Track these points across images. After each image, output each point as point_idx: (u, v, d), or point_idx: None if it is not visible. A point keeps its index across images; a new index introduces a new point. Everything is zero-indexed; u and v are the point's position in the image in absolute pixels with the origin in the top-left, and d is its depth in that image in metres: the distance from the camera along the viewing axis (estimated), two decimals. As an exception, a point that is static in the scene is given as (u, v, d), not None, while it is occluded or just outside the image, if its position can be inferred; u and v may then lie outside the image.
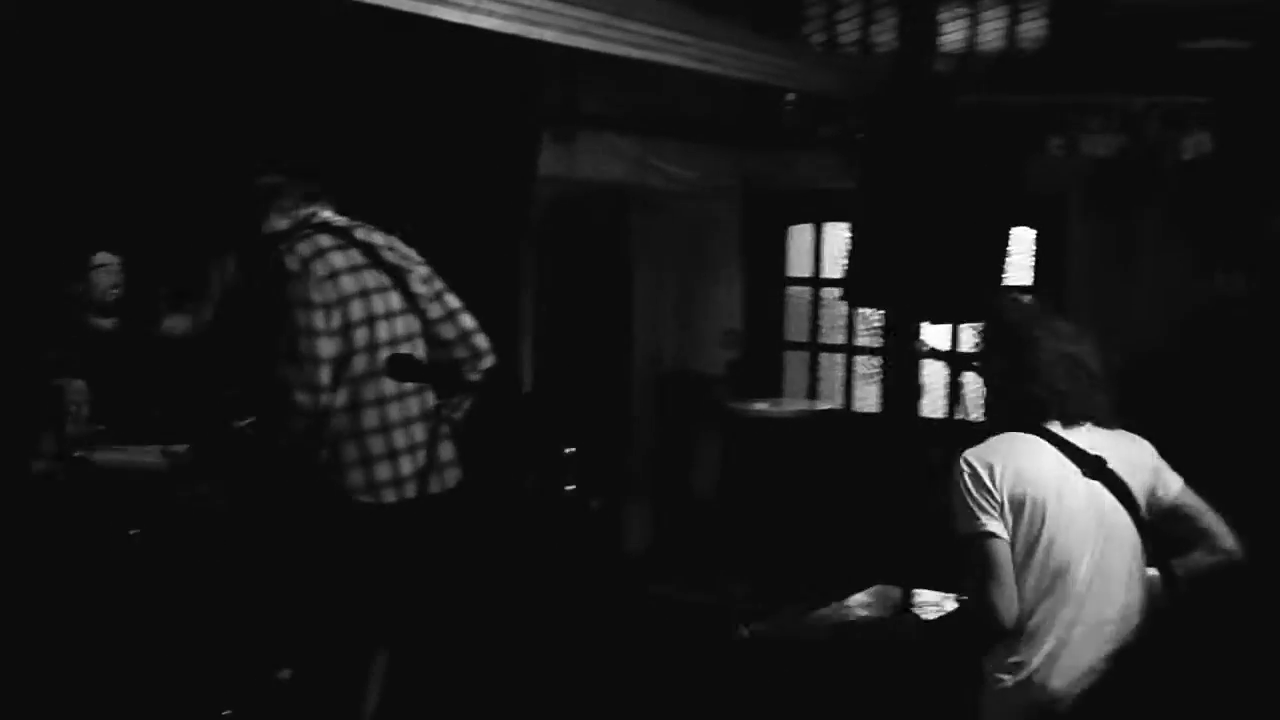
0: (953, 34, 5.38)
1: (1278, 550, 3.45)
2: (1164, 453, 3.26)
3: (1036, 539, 3.06)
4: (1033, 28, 5.12)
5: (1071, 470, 3.10)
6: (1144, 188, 6.44)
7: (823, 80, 5.86)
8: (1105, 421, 3.19)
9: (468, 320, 4.01)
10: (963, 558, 3.13)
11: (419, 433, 3.78)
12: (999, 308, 3.56)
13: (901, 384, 7.09)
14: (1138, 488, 3.14)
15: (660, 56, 4.92)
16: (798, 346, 8.16)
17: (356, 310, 3.71)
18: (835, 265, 7.96)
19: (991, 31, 5.23)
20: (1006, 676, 3.11)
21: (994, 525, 3.06)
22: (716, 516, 7.74)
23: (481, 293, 4.21)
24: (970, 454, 3.14)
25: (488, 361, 4.04)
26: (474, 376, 4.03)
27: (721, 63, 5.19)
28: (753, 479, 7.73)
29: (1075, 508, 3.08)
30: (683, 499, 7.94)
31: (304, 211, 3.86)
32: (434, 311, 3.94)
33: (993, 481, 3.07)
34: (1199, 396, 5.59)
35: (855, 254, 5.55)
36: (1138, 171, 6.29)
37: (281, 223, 3.86)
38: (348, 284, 3.71)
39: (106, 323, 4.70)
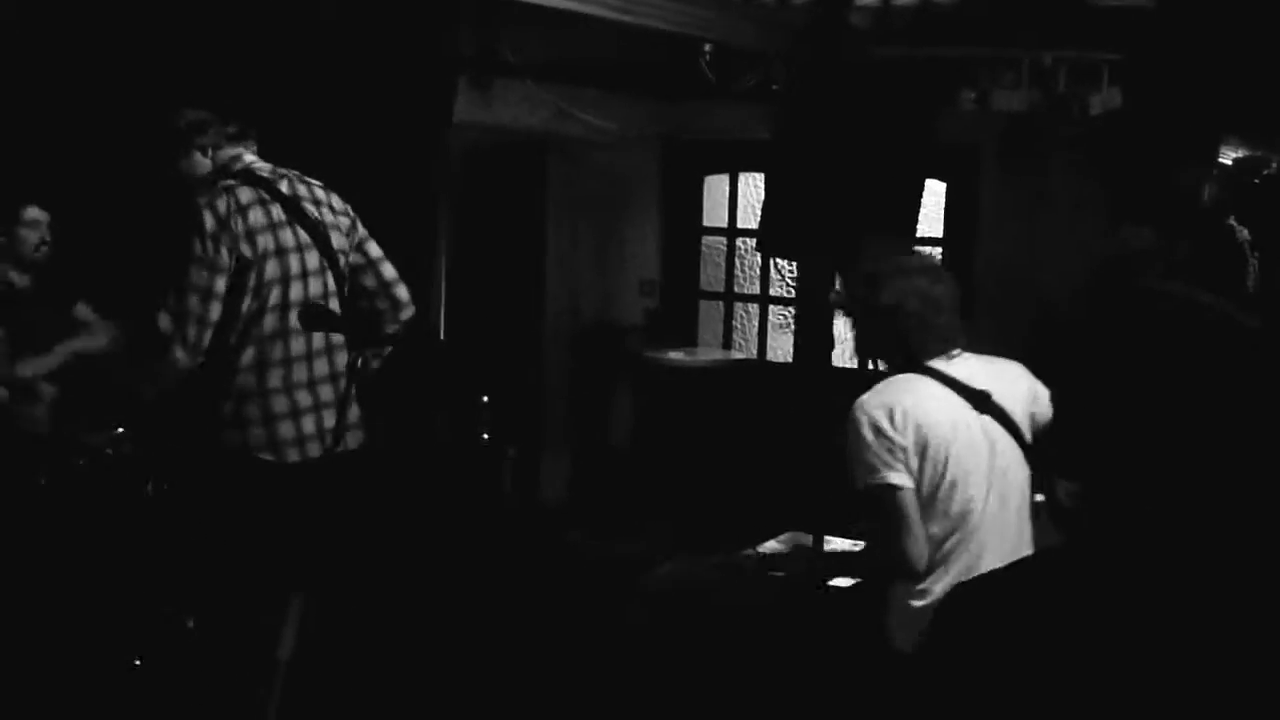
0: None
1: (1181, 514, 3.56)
2: (1071, 409, 3.38)
3: (939, 481, 3.13)
4: (948, -18, 5.17)
5: (963, 407, 3.19)
6: (1054, 142, 6.53)
7: (741, 31, 5.87)
8: (972, 347, 3.31)
9: (388, 270, 3.99)
10: (868, 508, 3.19)
11: (326, 393, 3.77)
12: (870, 257, 3.66)
13: (815, 334, 7.18)
14: (1020, 415, 3.25)
15: (580, 6, 4.90)
16: (713, 296, 8.21)
17: (270, 269, 3.67)
18: (751, 215, 8.01)
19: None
20: (914, 602, 3.19)
21: (899, 476, 3.12)
22: (632, 466, 7.79)
23: (396, 241, 4.18)
24: (866, 403, 3.19)
25: (407, 313, 4.04)
26: (392, 328, 4.02)
27: (640, 12, 5.18)
28: (668, 428, 7.78)
29: (972, 446, 3.17)
30: (599, 448, 7.98)
31: (227, 154, 3.80)
32: (355, 260, 3.92)
33: (894, 428, 3.12)
34: (1106, 349, 5.70)
35: (769, 204, 5.58)
36: (1047, 125, 6.38)
37: (204, 165, 3.79)
38: (264, 242, 3.66)
39: (23, 279, 4.58)
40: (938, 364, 3.23)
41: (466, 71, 6.17)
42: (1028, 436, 3.26)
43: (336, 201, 3.91)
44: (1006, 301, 6.83)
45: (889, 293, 3.27)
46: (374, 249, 3.98)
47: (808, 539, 5.73)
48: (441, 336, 6.82)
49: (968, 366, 3.26)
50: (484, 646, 5.19)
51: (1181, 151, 6.10)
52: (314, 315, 3.57)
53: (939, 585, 3.16)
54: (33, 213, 4.55)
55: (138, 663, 4.18)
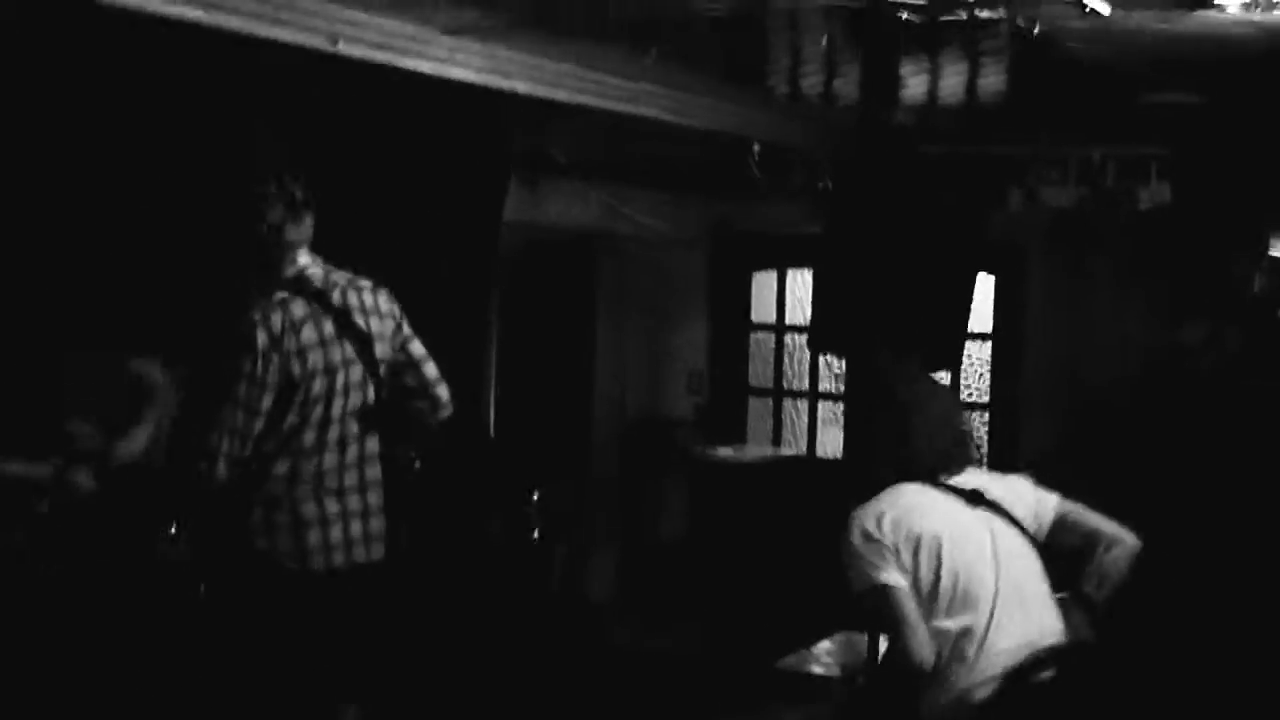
0: (915, 86, 5.46)
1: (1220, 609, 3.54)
2: (1114, 500, 3.38)
3: (938, 574, 3.13)
4: (992, 80, 5.20)
5: (956, 504, 3.21)
6: (1101, 237, 6.55)
7: (789, 131, 5.93)
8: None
9: (430, 370, 3.94)
10: (869, 613, 3.21)
11: (354, 503, 3.73)
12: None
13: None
14: (1022, 512, 3.27)
15: (631, 108, 4.97)
16: (762, 392, 8.21)
17: (317, 386, 3.64)
18: (799, 311, 8.03)
19: (953, 84, 5.32)
20: (942, 699, 3.17)
21: (890, 575, 3.13)
22: (682, 562, 7.75)
23: (448, 338, 4.20)
24: (858, 511, 3.26)
25: (445, 413, 3.96)
26: (429, 424, 4.00)
27: (690, 114, 5.24)
28: (718, 524, 7.75)
29: (969, 535, 3.19)
30: (648, 544, 7.95)
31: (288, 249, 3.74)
32: (398, 359, 3.89)
33: (880, 530, 3.16)
34: (1156, 442, 5.67)
35: (820, 301, 5.63)
36: (1095, 221, 6.40)
37: (291, 269, 3.73)
38: (314, 359, 3.63)
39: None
40: (936, 476, 3.29)
41: (517, 171, 6.25)
42: (1032, 532, 3.28)
43: (384, 303, 3.85)
44: (1053, 393, 6.81)
45: (917, 415, 3.32)
46: (417, 348, 3.93)
47: (861, 638, 5.68)
48: (491, 433, 6.84)
49: (966, 478, 3.32)
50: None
51: (1231, 244, 6.10)
52: (364, 416, 3.61)
53: (963, 679, 3.14)
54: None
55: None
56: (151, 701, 4.16)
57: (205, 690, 4.15)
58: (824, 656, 5.75)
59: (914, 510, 3.18)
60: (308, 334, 3.64)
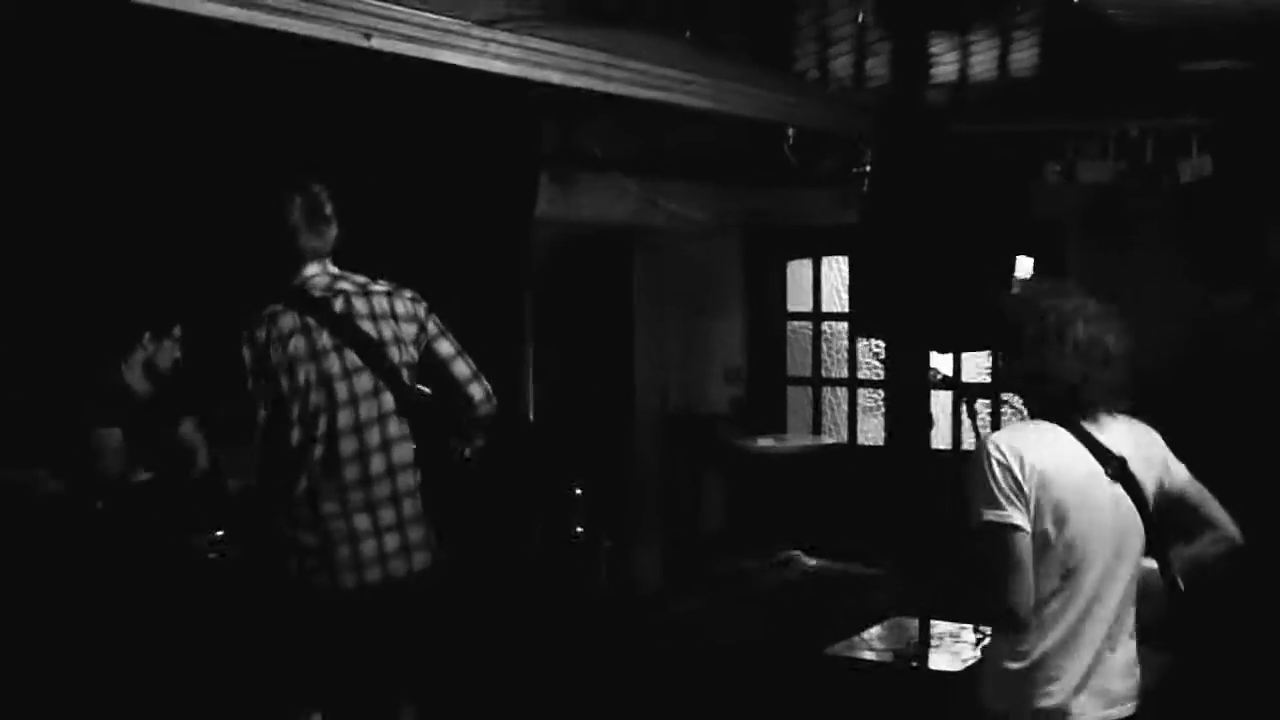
0: (947, 64, 5.42)
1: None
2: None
3: (1056, 537, 3.03)
4: (1026, 55, 5.15)
5: (1097, 471, 3.07)
6: (1142, 212, 6.48)
7: (823, 115, 5.90)
8: (1121, 407, 3.17)
9: (460, 369, 3.83)
10: (979, 545, 3.07)
11: (387, 517, 3.65)
12: (1025, 292, 3.46)
13: (908, 415, 7.10)
14: (1150, 484, 3.13)
15: (665, 96, 4.94)
16: (800, 381, 8.17)
17: (315, 399, 3.58)
18: (835, 299, 7.99)
19: (986, 60, 5.27)
20: (1011, 664, 3.09)
21: (1019, 518, 3.01)
22: (725, 553, 7.72)
23: (483, 337, 4.15)
24: (1000, 441, 3.06)
25: (483, 409, 3.85)
26: (473, 422, 3.95)
27: (724, 100, 5.21)
28: (760, 515, 7.72)
29: (1097, 512, 3.06)
30: (692, 537, 7.92)
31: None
32: (427, 360, 3.83)
33: (1022, 474, 3.01)
34: (1203, 415, 5.60)
35: (859, 285, 5.57)
36: (1135, 196, 6.33)
37: (296, 279, 3.69)
38: (305, 372, 3.58)
39: (146, 387, 4.54)
40: (1078, 417, 3.13)
41: (550, 167, 6.23)
42: (1151, 505, 3.16)
43: (403, 306, 3.77)
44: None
45: (1054, 328, 3.15)
46: (444, 348, 3.83)
47: (912, 622, 5.64)
48: (532, 430, 6.83)
49: (1111, 430, 3.15)
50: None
51: (1272, 214, 6.03)
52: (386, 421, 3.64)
53: (1038, 649, 3.07)
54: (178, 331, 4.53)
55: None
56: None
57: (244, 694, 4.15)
58: (874, 642, 5.72)
59: (1053, 462, 3.02)
60: (296, 346, 3.58)
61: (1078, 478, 3.05)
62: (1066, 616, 3.05)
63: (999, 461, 3.03)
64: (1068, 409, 3.10)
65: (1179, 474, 3.20)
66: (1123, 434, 3.13)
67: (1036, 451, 3.04)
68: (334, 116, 4.97)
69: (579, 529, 6.61)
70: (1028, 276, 6.63)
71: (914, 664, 5.39)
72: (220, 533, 4.42)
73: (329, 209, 3.71)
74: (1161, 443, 3.21)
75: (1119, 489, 3.07)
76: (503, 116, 5.71)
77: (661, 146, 6.46)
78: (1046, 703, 3.03)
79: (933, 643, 5.47)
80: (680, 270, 7.92)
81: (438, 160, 5.58)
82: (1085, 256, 6.97)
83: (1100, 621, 3.07)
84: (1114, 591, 3.09)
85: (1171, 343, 6.33)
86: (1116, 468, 3.06)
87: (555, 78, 4.52)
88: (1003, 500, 3.01)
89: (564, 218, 6.56)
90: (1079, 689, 3.03)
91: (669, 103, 4.99)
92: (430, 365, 3.81)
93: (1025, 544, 3.01)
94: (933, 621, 5.54)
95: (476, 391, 3.84)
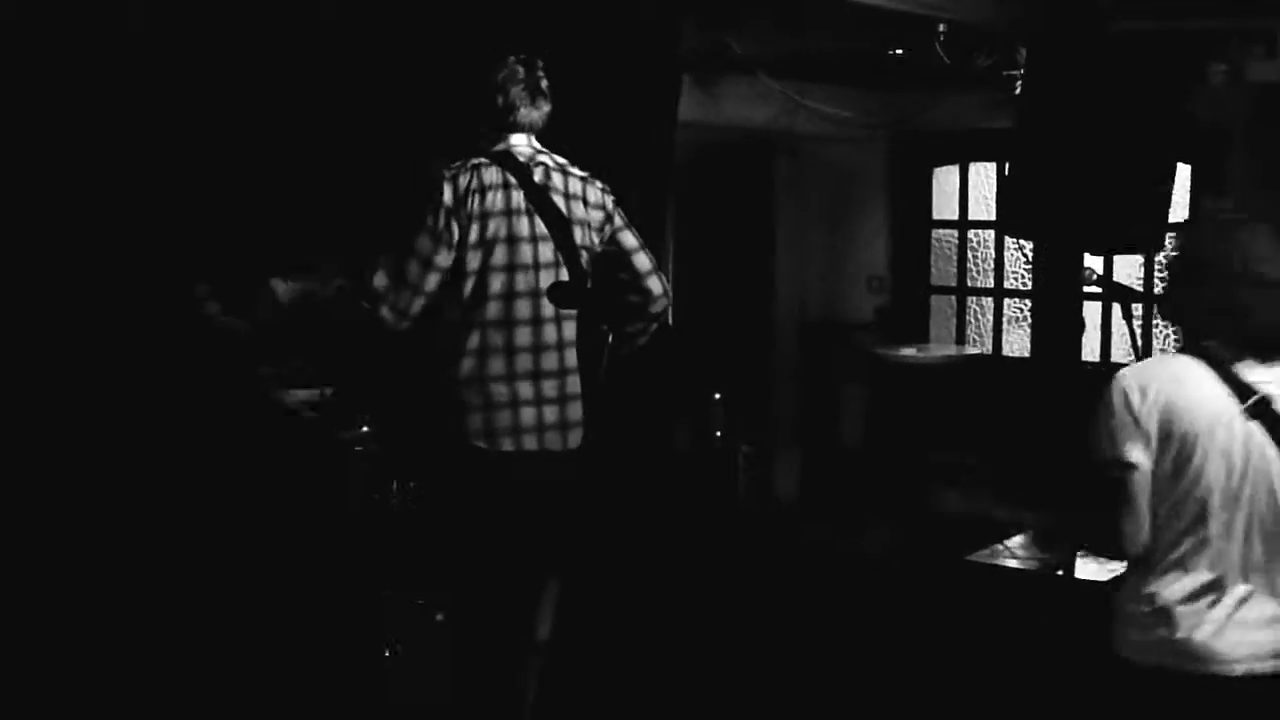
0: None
1: None
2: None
3: (1180, 473, 2.92)
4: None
5: (1231, 407, 2.94)
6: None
7: (977, 8, 5.70)
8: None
9: (642, 261, 3.93)
10: (1097, 481, 3.01)
11: (549, 388, 3.73)
12: (1213, 222, 3.31)
13: (1057, 324, 6.92)
14: None
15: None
16: (944, 291, 8.02)
17: (499, 255, 3.67)
18: (983, 207, 7.80)
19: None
20: (1140, 607, 3.00)
21: (1136, 454, 2.91)
22: (864, 464, 7.66)
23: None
24: (1127, 375, 2.98)
25: (659, 305, 3.96)
26: (642, 320, 3.97)
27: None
28: (901, 427, 7.63)
29: (1227, 449, 2.91)
30: (831, 447, 7.87)
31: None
32: (609, 249, 3.88)
33: (1144, 406, 2.92)
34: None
35: (1013, 183, 5.41)
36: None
37: (501, 145, 3.81)
38: (495, 226, 3.66)
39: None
40: (1223, 354, 3.00)
41: (691, 70, 6.14)
42: None
43: (594, 193, 3.87)
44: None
45: (1215, 255, 3.03)
46: (629, 239, 3.93)
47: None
48: (674, 335, 6.82)
49: (1259, 370, 3.00)
50: (727, 641, 5.15)
51: None
52: (560, 291, 3.59)
53: (1172, 590, 2.96)
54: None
55: (392, 652, 4.26)
56: (351, 587, 4.27)
57: (405, 575, 4.24)
58: (1018, 550, 5.64)
59: (1180, 394, 2.91)
60: (494, 199, 3.68)
61: (1207, 411, 2.92)
62: (1202, 564, 2.94)
63: (1122, 394, 2.95)
64: (1239, 344, 2.98)
65: None
66: (1268, 374, 2.99)
67: (1165, 386, 2.93)
68: (476, 18, 4.96)
69: (719, 435, 6.61)
70: (1206, 200, 6.38)
71: (1059, 572, 5.29)
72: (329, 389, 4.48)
73: (545, 83, 3.86)
74: None
75: (1255, 428, 2.94)
76: (645, 17, 5.64)
77: (807, 48, 6.32)
78: (1185, 650, 2.91)
79: (1079, 552, 5.36)
80: (823, 176, 7.81)
81: (581, 63, 5.53)
82: (1249, 164, 6.67)
83: (1234, 569, 2.95)
84: (1251, 536, 2.96)
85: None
86: (1256, 406, 2.93)
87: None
88: (1121, 437, 2.93)
89: (706, 121, 6.48)
90: (1216, 635, 2.93)
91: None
92: (613, 255, 3.92)
93: (1141, 480, 2.92)
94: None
95: (655, 285, 3.96)
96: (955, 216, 7.89)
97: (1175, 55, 5.57)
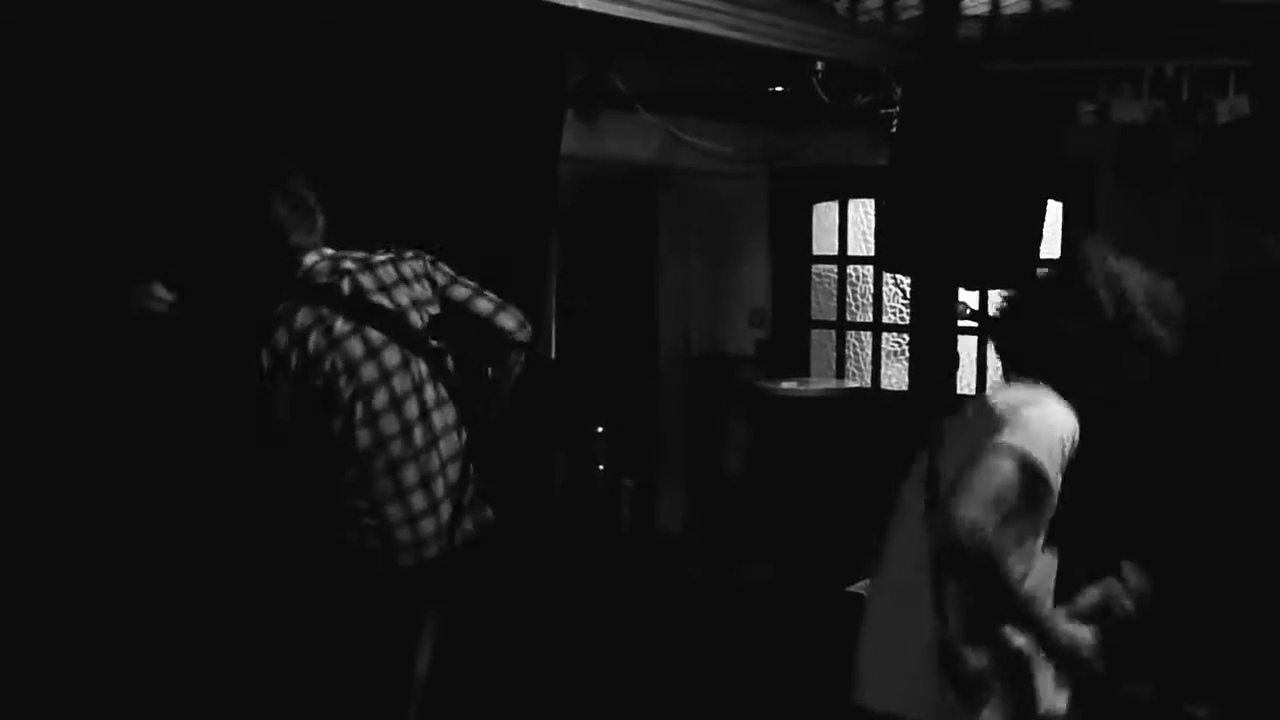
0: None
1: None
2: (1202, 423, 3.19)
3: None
4: (1062, -10, 5.05)
5: None
6: (1176, 153, 6.36)
7: (852, 48, 5.80)
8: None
9: (481, 305, 3.79)
10: None
11: (439, 488, 3.63)
12: (1083, 253, 3.32)
13: (933, 358, 7.02)
14: None
15: (691, 24, 4.84)
16: (825, 325, 8.11)
17: (345, 387, 3.53)
18: (861, 242, 7.92)
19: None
20: None
21: None
22: (747, 497, 7.69)
23: (507, 277, 4.09)
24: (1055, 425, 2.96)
25: (519, 336, 3.83)
26: (511, 348, 3.90)
27: (751, 30, 5.12)
28: (783, 459, 7.68)
29: None
30: (714, 479, 7.90)
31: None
32: (448, 310, 3.78)
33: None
34: (1242, 361, 5.52)
35: (889, 219, 5.46)
36: (1169, 137, 6.22)
37: (298, 271, 3.61)
38: (330, 361, 3.53)
39: None
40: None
41: (574, 104, 6.15)
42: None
43: (409, 269, 3.71)
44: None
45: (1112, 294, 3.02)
46: (460, 291, 3.78)
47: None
48: (552, 369, 6.80)
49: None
50: (609, 674, 5.13)
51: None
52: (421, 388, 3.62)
53: None
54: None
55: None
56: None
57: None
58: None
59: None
60: (315, 342, 3.53)
61: None
62: None
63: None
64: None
65: None
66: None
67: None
68: (357, 54, 4.89)
69: (601, 467, 6.60)
70: (1087, 238, 6.50)
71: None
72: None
73: (312, 200, 3.63)
74: None
75: None
76: (529, 48, 5.64)
77: (687, 84, 6.37)
78: None
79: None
80: (705, 211, 7.86)
81: (462, 97, 5.50)
82: (1116, 200, 6.85)
83: None
84: None
85: (1195, 285, 6.23)
86: None
87: (581, 3, 4.44)
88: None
89: (589, 155, 6.49)
90: None
91: (695, 32, 4.90)
92: (454, 313, 3.75)
93: None
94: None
95: (506, 321, 3.80)
96: (835, 252, 8.00)
97: (1046, 95, 5.68)
